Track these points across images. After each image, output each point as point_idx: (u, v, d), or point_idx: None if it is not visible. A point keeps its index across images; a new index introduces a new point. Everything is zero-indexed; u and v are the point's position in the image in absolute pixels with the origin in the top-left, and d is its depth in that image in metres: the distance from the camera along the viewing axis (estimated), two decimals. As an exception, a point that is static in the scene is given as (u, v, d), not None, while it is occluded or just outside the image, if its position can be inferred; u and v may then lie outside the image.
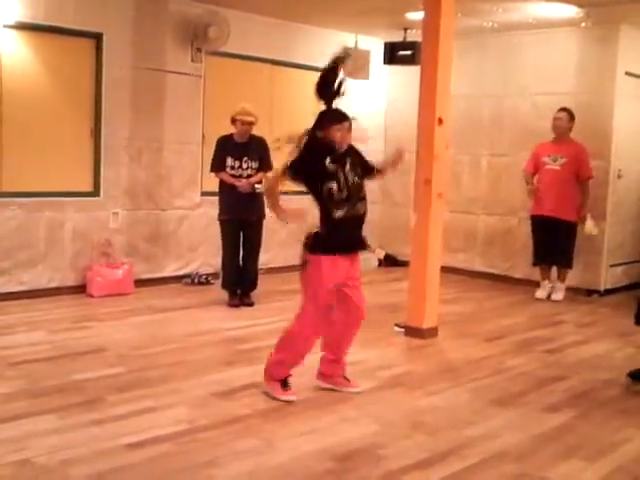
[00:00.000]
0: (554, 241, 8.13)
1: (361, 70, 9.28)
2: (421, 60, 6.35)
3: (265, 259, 8.80)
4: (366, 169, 4.75)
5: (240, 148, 7.11)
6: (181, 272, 8.19)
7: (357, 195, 4.58)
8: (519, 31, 8.71)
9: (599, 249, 8.40)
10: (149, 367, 5.19)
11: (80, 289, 7.36)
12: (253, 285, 7.40)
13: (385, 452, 3.91)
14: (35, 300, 7.00)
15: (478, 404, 4.76)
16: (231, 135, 7.17)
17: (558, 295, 8.22)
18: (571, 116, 8.07)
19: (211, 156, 7.31)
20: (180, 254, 8.20)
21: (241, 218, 7.18)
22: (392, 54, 8.95)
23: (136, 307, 7.00)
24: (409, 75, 8.46)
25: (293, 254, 9.15)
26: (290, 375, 4.69)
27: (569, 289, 8.35)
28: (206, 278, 8.18)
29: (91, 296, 7.28)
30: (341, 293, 4.65)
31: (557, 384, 5.25)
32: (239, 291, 7.34)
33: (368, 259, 9.99)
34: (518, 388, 5.11)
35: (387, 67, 9.44)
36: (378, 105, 10.14)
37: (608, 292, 8.49)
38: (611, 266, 8.53)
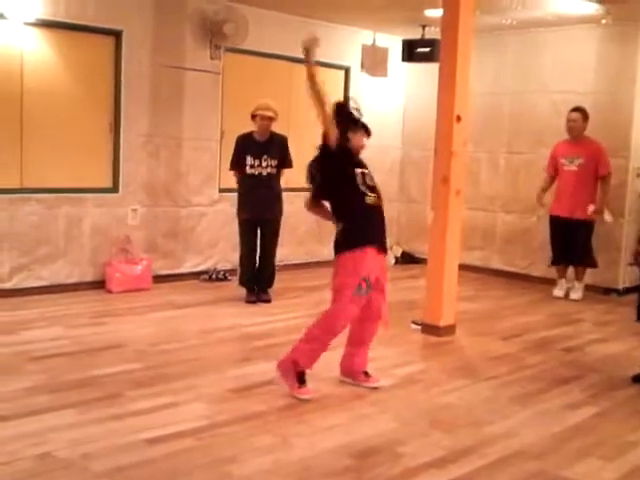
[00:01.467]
0: (572, 241, 8.09)
1: (379, 67, 9.28)
2: (440, 57, 6.34)
3: (282, 256, 8.82)
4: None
5: (260, 147, 7.12)
6: (199, 268, 8.22)
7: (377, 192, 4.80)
8: (538, 28, 8.67)
9: (618, 247, 8.36)
10: (167, 363, 5.22)
11: (99, 285, 7.41)
12: (270, 282, 7.42)
13: (403, 449, 3.91)
14: (54, 295, 7.05)
15: (496, 402, 4.76)
16: (251, 133, 7.18)
17: (577, 294, 8.19)
18: (585, 116, 8.03)
19: (230, 152, 7.35)
20: (198, 250, 8.23)
21: (259, 216, 7.20)
22: (410, 51, 8.93)
23: (154, 303, 7.03)
24: (427, 72, 8.43)
25: (311, 251, 9.25)
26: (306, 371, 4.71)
27: (587, 287, 8.32)
28: (224, 274, 8.20)
29: (110, 292, 7.32)
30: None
31: (576, 382, 5.24)
32: (256, 288, 7.36)
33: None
34: (537, 386, 5.10)
35: (405, 64, 9.42)
36: (396, 102, 10.13)
37: (627, 291, 8.44)
38: (630, 264, 8.46)
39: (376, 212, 4.76)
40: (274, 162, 7.13)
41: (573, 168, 8.06)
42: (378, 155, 9.69)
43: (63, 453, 3.66)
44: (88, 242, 7.39)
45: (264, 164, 7.11)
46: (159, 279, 7.75)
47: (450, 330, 6.33)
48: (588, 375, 5.43)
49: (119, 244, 7.49)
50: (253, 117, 7.09)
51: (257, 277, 7.38)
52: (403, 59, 9.07)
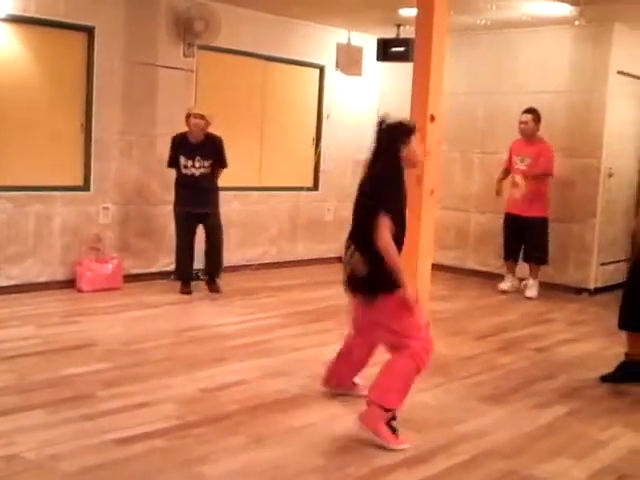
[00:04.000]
0: (524, 238, 8.28)
1: (354, 66, 9.27)
2: (414, 57, 6.34)
3: (256, 255, 8.82)
4: None
5: (193, 148, 7.30)
6: (171, 267, 8.14)
7: None
8: (512, 29, 8.71)
9: (589, 247, 8.42)
10: (139, 363, 5.18)
11: (69, 284, 7.32)
12: (217, 272, 7.65)
13: (374, 449, 3.90)
14: (24, 295, 6.95)
15: (468, 402, 4.77)
16: (185, 134, 7.34)
17: (532, 292, 8.28)
18: (537, 117, 8.19)
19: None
20: (170, 249, 8.12)
21: (195, 211, 7.39)
22: (385, 50, 8.93)
23: (126, 302, 6.96)
24: (402, 72, 8.43)
25: (282, 250, 9.23)
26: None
27: (559, 287, 8.38)
28: (196, 274, 8.13)
29: (80, 291, 7.24)
30: None
31: (547, 382, 5.26)
32: (207, 279, 7.64)
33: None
34: (508, 386, 5.12)
35: (380, 63, 9.42)
36: (370, 101, 10.12)
37: (598, 291, 8.51)
38: (601, 264, 8.54)
39: None
40: (207, 162, 7.32)
41: (522, 168, 8.22)
42: (353, 154, 9.72)
43: (31, 454, 3.62)
44: (58, 241, 7.31)
45: (197, 165, 7.30)
46: (130, 278, 7.68)
47: (423, 330, 6.33)
48: (559, 375, 5.46)
49: (90, 243, 7.41)
50: (187, 118, 7.29)
51: (207, 269, 7.67)
52: (378, 58, 9.07)
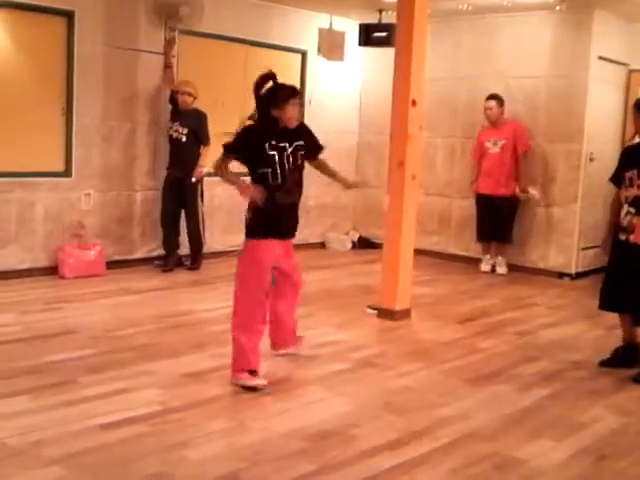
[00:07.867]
0: (495, 217, 8.57)
1: (336, 51, 9.26)
2: (395, 42, 6.34)
3: (239, 241, 8.78)
4: (311, 150, 4.81)
5: (178, 114, 7.78)
6: (153, 254, 8.13)
7: (293, 181, 4.61)
8: (494, 14, 8.71)
9: (571, 232, 8.48)
10: (121, 349, 5.17)
11: (52, 270, 7.29)
12: (194, 250, 8.02)
13: (357, 432, 3.93)
14: (6, 281, 6.92)
15: (450, 385, 4.80)
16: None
17: (502, 269, 8.66)
18: (500, 103, 8.48)
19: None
20: (153, 236, 8.13)
21: (172, 171, 7.83)
22: (367, 36, 8.94)
23: (108, 289, 6.95)
24: (384, 57, 8.43)
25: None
26: (256, 370, 4.60)
27: (541, 272, 8.45)
28: (179, 259, 8.12)
29: (63, 277, 7.22)
30: (281, 273, 4.78)
31: (528, 365, 5.31)
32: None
33: (341, 242, 10.03)
34: (490, 369, 5.16)
35: (362, 48, 9.42)
36: (353, 86, 10.12)
37: (579, 275, 8.57)
38: (583, 249, 8.60)
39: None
40: (184, 130, 7.73)
41: (496, 150, 8.53)
42: (335, 139, 9.70)
43: (14, 440, 3.61)
44: (41, 227, 7.27)
45: (174, 128, 7.77)
46: (113, 265, 7.65)
47: (405, 314, 6.37)
48: (540, 358, 5.50)
49: (72, 229, 7.39)
50: (174, 94, 7.76)
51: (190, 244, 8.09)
52: (360, 43, 9.07)
